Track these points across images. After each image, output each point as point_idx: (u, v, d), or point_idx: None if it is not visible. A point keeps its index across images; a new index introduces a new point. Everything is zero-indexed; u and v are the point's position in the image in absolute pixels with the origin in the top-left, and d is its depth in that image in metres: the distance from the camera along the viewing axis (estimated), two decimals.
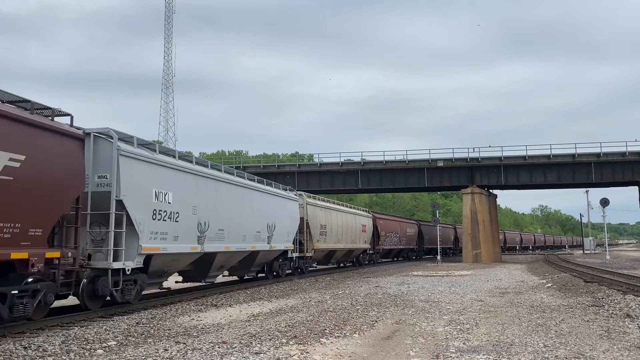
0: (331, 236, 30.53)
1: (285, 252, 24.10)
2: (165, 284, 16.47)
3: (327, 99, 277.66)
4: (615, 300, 15.09)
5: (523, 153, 48.26)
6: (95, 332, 10.50)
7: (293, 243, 24.80)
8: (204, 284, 18.90)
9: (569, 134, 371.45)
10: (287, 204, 23.94)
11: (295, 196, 25.70)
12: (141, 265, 13.66)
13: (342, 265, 37.80)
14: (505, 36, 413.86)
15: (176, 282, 18.67)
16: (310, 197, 28.71)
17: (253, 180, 21.00)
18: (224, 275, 21.82)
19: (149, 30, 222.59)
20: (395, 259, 50.89)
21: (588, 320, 11.78)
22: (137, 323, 11.71)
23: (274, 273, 23.86)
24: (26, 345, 9.06)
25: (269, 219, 21.40)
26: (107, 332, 10.61)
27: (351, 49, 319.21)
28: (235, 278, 23.35)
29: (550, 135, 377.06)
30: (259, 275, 23.60)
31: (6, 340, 9.68)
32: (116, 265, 12.70)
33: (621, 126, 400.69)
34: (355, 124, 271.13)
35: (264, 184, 21.85)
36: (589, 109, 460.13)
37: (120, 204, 12.70)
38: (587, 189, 63.85)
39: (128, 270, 13.07)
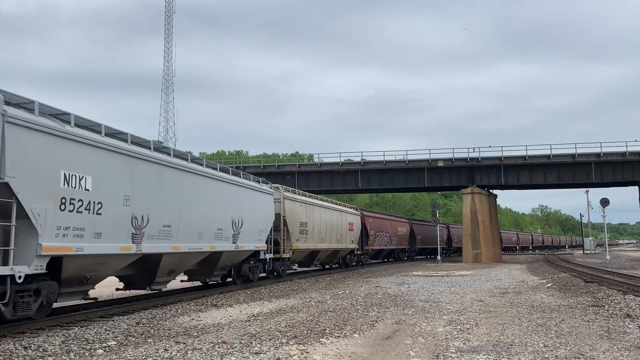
0: (313, 235, 27.25)
1: (257, 252, 21.01)
2: (92, 293, 13.47)
3: (326, 98, 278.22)
4: (615, 300, 15.09)
5: (523, 153, 48.32)
6: (95, 332, 10.50)
7: (267, 243, 21.66)
8: (149, 292, 15.73)
9: (568, 134, 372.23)
10: (258, 198, 20.63)
11: (270, 189, 22.35)
12: (44, 271, 10.30)
13: (327, 267, 34.47)
14: (504, 36, 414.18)
15: (117, 289, 15.67)
16: (288, 190, 25.46)
17: (215, 168, 17.51)
18: (182, 281, 19.20)
19: (149, 30, 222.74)
20: (386, 259, 48.23)
21: (588, 320, 11.78)
22: (137, 323, 11.71)
23: (244, 277, 20.81)
24: (26, 345, 9.06)
25: (234, 214, 18.14)
26: (107, 332, 10.61)
27: (351, 49, 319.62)
28: (198, 283, 20.12)
29: (550, 135, 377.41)
30: (228, 279, 20.88)
31: (6, 340, 9.68)
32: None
33: (621, 126, 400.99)
34: (355, 124, 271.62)
35: (228, 173, 18.46)
36: (588, 109, 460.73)
37: (5, 187, 9.41)
38: (587, 189, 63.91)
39: (19, 277, 9.66)
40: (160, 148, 15.01)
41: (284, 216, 23.78)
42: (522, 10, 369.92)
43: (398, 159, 50.71)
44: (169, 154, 14.87)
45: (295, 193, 26.26)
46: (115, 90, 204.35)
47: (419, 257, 57.64)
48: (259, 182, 21.46)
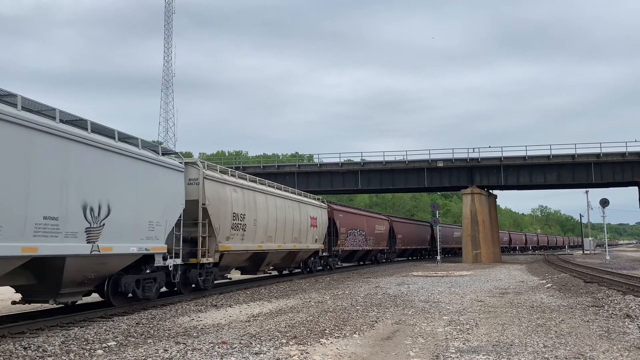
0: (256, 232, 20.45)
1: (148, 257, 14.17)
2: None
3: (325, 99, 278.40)
4: (615, 301, 15.09)
5: (523, 153, 48.34)
6: (95, 332, 10.50)
7: (173, 242, 15.32)
8: None
9: (567, 134, 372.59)
10: (151, 174, 13.99)
11: (179, 163, 15.78)
12: None
13: (285, 273, 28.11)
14: (503, 36, 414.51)
15: None
16: (214, 168, 18.39)
17: (52, 116, 10.94)
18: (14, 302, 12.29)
19: (146, 30, 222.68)
20: (361, 262, 42.38)
21: (588, 321, 11.78)
22: (137, 323, 11.71)
23: (126, 295, 14.00)
24: (26, 346, 9.05)
25: (90, 196, 11.58)
26: (107, 332, 10.61)
27: (348, 49, 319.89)
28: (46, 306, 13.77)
29: (549, 135, 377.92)
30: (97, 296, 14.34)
31: (6, 340, 9.69)
32: None
33: (620, 126, 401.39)
34: (354, 124, 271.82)
35: (86, 128, 11.77)
36: (587, 109, 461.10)
37: None
38: (587, 189, 63.87)
39: None
40: None
41: (204, 204, 16.79)
42: (520, 10, 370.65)
43: (398, 159, 50.77)
44: None
45: (226, 174, 19.17)
46: (113, 91, 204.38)
47: (399, 259, 52.01)
48: (156, 151, 14.64)
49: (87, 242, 11.50)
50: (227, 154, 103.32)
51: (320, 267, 30.66)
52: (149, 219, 13.88)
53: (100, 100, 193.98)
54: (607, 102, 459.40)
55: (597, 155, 46.90)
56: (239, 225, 19.19)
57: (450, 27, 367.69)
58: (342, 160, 52.00)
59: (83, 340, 9.74)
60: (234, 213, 18.85)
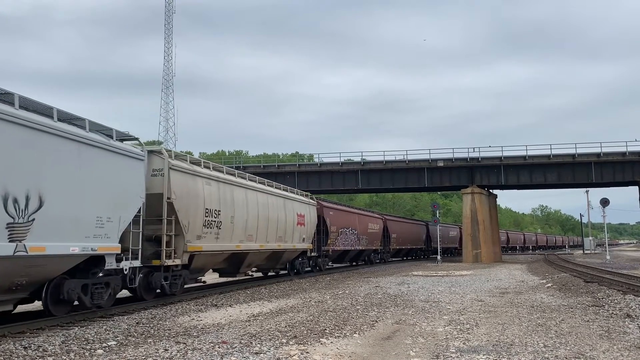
0: (233, 230, 18.43)
1: (98, 259, 12.13)
2: None
3: (324, 98, 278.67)
4: (615, 300, 15.09)
5: (523, 153, 48.38)
6: (95, 332, 10.50)
7: (126, 242, 13.06)
8: None
9: (567, 134, 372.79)
10: (98, 161, 11.98)
11: (139, 151, 13.72)
12: None
13: (270, 274, 25.97)
14: (502, 36, 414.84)
15: None
16: (182, 158, 16.23)
17: None
18: None
19: (144, 29, 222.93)
20: (354, 263, 40.67)
21: (588, 320, 11.78)
22: (137, 323, 11.71)
23: (76, 303, 12.23)
24: (26, 345, 9.06)
25: (14, 186, 9.63)
26: (107, 332, 10.61)
27: (347, 49, 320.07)
28: None
29: (548, 135, 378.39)
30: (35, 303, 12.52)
31: (6, 340, 9.69)
32: None
33: (619, 125, 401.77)
34: (354, 123, 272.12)
35: (13, 106, 9.87)
36: (587, 109, 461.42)
37: None
38: (587, 189, 63.88)
39: None
40: None
41: (169, 198, 14.79)
42: (519, 9, 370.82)
43: (398, 159, 50.78)
44: None
45: (199, 165, 17.23)
46: (112, 90, 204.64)
47: (394, 259, 50.06)
48: (109, 135, 12.65)
49: (10, 241, 9.42)
50: (227, 153, 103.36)
51: (309, 269, 28.83)
52: (96, 213, 11.78)
53: (100, 100, 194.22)
54: (607, 101, 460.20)
55: (598, 154, 46.91)
56: (213, 223, 17.03)
57: (449, 26, 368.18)
58: (342, 160, 52.08)
59: (83, 340, 9.75)
60: (207, 209, 16.65)
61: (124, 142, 13.37)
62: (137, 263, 13.59)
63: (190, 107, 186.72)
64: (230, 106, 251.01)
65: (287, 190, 24.85)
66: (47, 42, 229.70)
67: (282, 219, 23.01)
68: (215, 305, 15.02)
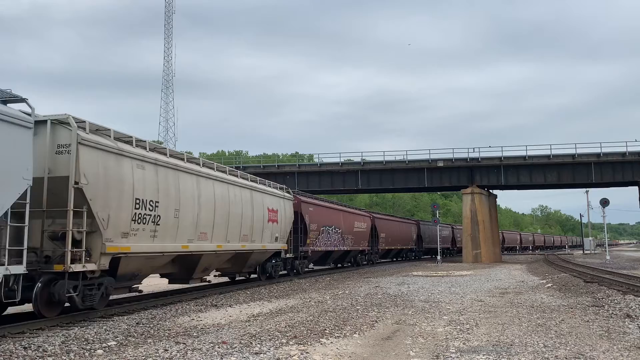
0: (178, 226, 14.77)
1: None
2: None
3: (324, 98, 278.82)
4: (615, 301, 15.10)
5: (523, 153, 48.43)
6: (95, 332, 10.50)
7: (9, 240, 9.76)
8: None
9: (567, 134, 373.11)
10: None
11: (20, 114, 10.07)
12: None
13: (239, 279, 22.60)
14: (501, 36, 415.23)
15: None
16: (102, 133, 12.66)
17: None
18: None
19: (143, 29, 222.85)
20: (340, 265, 37.35)
21: (588, 321, 11.78)
22: (137, 323, 11.71)
23: None
24: (26, 345, 9.06)
25: None
26: (107, 332, 10.61)
27: (346, 49, 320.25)
28: None
29: (547, 135, 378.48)
30: None
31: (6, 340, 9.69)
32: None
33: (618, 126, 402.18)
34: (353, 123, 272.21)
35: None
36: (586, 109, 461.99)
37: None
38: (587, 189, 63.92)
39: None
40: None
41: (77, 182, 11.45)
42: (518, 10, 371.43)
43: (398, 159, 50.82)
44: None
45: (130, 144, 13.43)
46: (110, 90, 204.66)
47: (383, 260, 46.86)
48: None
49: None
50: (227, 153, 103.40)
51: (285, 272, 25.66)
52: None
53: (99, 100, 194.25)
54: (606, 101, 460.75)
55: (597, 155, 46.94)
56: (148, 218, 13.37)
57: (449, 27, 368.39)
58: (342, 160, 52.12)
59: (83, 340, 9.75)
60: (138, 199, 12.97)
61: (8, 104, 10.01)
62: (18, 269, 9.84)
63: (189, 107, 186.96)
64: (230, 106, 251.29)
65: (256, 182, 21.21)
66: (45, 42, 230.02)
67: (248, 214, 19.48)
68: (215, 305, 15.02)
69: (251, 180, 20.82)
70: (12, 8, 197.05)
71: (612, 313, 12.85)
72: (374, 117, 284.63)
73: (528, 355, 8.26)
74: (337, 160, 51.89)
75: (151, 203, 13.63)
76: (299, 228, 26.76)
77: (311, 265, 31.47)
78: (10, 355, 8.40)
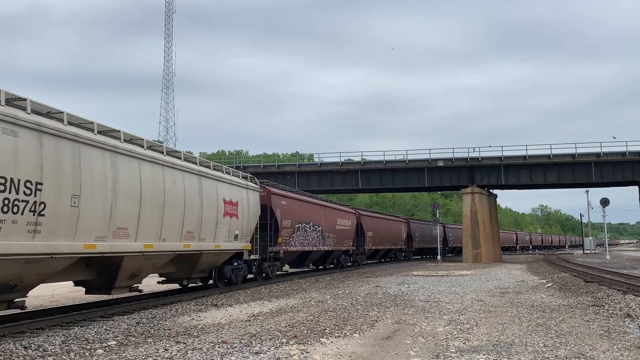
0: (77, 218, 11.09)
1: None
2: None
3: (323, 98, 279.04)
4: (615, 300, 15.10)
5: (523, 153, 48.46)
6: (95, 332, 10.51)
7: None
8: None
9: (567, 134, 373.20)
10: None
11: None
12: None
13: (191, 285, 18.57)
14: (500, 35, 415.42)
15: None
16: None
17: None
18: None
19: (141, 29, 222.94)
20: (322, 267, 33.37)
21: (588, 320, 11.78)
22: (137, 323, 11.72)
23: None
24: (26, 345, 9.06)
25: None
26: (108, 332, 10.61)
27: (345, 49, 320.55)
28: None
29: (548, 135, 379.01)
30: None
31: (6, 340, 9.69)
32: None
33: (617, 125, 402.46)
34: (352, 123, 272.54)
35: None
36: (586, 109, 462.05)
37: None
38: (587, 188, 63.92)
39: None
40: None
41: None
42: (516, 9, 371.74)
43: (398, 159, 50.83)
44: None
45: None
46: (110, 90, 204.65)
47: (370, 261, 43.60)
48: None
49: None
50: (227, 153, 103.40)
51: (252, 276, 21.90)
52: None
53: (98, 100, 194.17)
54: (606, 101, 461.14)
55: (598, 154, 46.95)
56: (21, 205, 9.63)
57: (447, 26, 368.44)
58: (342, 159, 52.17)
59: (83, 339, 9.75)
60: (2, 178, 9.28)
61: None
62: None
63: (189, 107, 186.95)
64: (230, 106, 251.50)
65: (209, 167, 17.30)
66: (44, 42, 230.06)
67: (194, 206, 15.64)
68: (215, 305, 15.02)
69: (202, 165, 16.85)
70: (10, 7, 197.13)
71: (612, 313, 12.84)
72: (373, 117, 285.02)
73: (528, 355, 8.26)
74: (337, 160, 52.03)
75: (28, 185, 9.82)
76: (269, 224, 22.72)
77: (286, 268, 28.60)
78: (11, 355, 8.40)
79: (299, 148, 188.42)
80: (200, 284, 19.33)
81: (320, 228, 29.31)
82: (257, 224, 21.22)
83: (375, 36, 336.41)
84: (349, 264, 35.99)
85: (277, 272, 24.75)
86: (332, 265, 34.48)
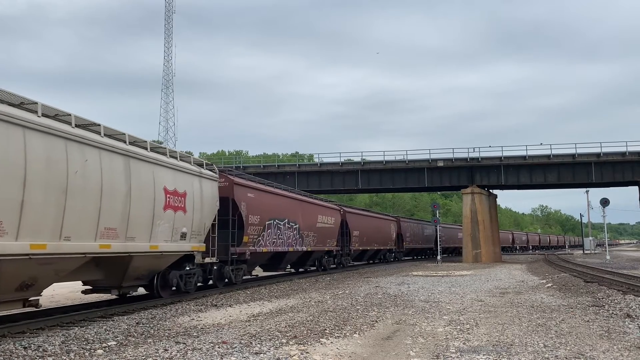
0: None
1: None
2: None
3: (323, 98, 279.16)
4: (615, 300, 15.09)
5: (523, 153, 48.47)
6: (95, 332, 10.50)
7: None
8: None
9: (567, 134, 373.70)
10: None
11: None
12: None
13: (131, 295, 15.58)
14: (500, 36, 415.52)
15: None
16: None
17: None
18: None
19: (141, 29, 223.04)
20: (303, 269, 29.99)
21: (588, 320, 11.78)
22: (137, 323, 11.71)
23: None
24: (26, 345, 9.06)
25: None
26: (107, 332, 10.61)
27: (344, 49, 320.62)
28: None
29: (548, 135, 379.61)
30: None
31: (6, 340, 9.69)
32: None
33: (617, 125, 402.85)
34: (352, 123, 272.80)
35: None
36: (586, 109, 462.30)
37: None
38: (587, 189, 63.89)
39: None
40: None
41: None
42: (516, 9, 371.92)
43: (398, 159, 50.84)
44: None
45: None
46: (109, 90, 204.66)
47: (356, 262, 40.32)
48: None
49: None
50: (227, 153, 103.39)
51: (210, 281, 18.69)
52: None
53: (98, 100, 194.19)
54: (605, 101, 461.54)
55: (598, 154, 46.95)
56: None
57: (447, 26, 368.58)
58: (342, 160, 52.18)
59: (83, 340, 9.75)
60: None
61: None
62: None
63: (189, 107, 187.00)
64: (229, 106, 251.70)
65: (145, 148, 13.81)
66: (43, 42, 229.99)
67: (116, 194, 12.19)
68: (215, 305, 15.01)
69: (133, 144, 13.29)
70: (9, 8, 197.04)
71: (612, 313, 12.84)
72: (373, 117, 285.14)
73: (528, 355, 8.25)
74: (337, 160, 52.02)
75: None
76: (231, 221, 19.12)
77: (258, 272, 25.67)
78: (10, 355, 8.40)
79: (299, 148, 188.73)
80: (146, 292, 16.15)
81: (297, 226, 25.71)
82: (214, 220, 17.65)
83: (375, 36, 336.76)
84: (332, 266, 32.82)
85: (245, 277, 21.19)
86: (313, 268, 30.92)
